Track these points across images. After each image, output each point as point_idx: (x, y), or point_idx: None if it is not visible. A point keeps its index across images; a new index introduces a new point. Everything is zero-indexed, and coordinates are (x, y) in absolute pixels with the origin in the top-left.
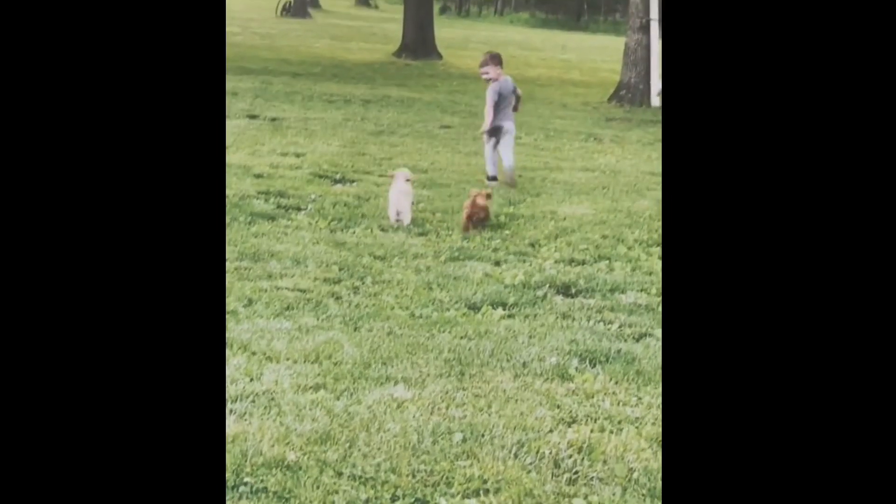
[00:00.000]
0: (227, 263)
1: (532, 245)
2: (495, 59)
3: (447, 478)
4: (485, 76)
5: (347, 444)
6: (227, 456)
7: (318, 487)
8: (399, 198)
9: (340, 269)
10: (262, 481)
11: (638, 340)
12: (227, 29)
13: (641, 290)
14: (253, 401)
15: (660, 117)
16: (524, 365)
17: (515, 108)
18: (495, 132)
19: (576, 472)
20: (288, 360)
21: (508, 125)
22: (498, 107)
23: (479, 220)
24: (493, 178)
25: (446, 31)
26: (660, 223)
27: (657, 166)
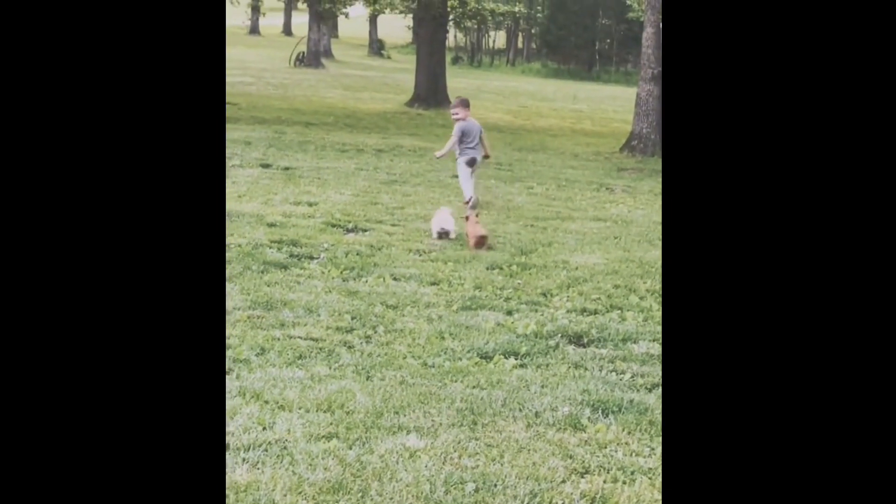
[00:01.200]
0: (240, 312)
1: (544, 294)
2: (464, 103)
3: None
4: (455, 116)
5: (360, 494)
6: None
7: None
8: (443, 217)
9: (353, 318)
10: None
11: (650, 390)
12: (241, 79)
13: (653, 340)
14: (265, 450)
15: None
16: (536, 415)
17: (486, 156)
18: (472, 163)
19: None
20: (300, 408)
21: (480, 159)
22: (464, 142)
23: (482, 242)
24: (469, 201)
25: (458, 80)
26: None
27: None
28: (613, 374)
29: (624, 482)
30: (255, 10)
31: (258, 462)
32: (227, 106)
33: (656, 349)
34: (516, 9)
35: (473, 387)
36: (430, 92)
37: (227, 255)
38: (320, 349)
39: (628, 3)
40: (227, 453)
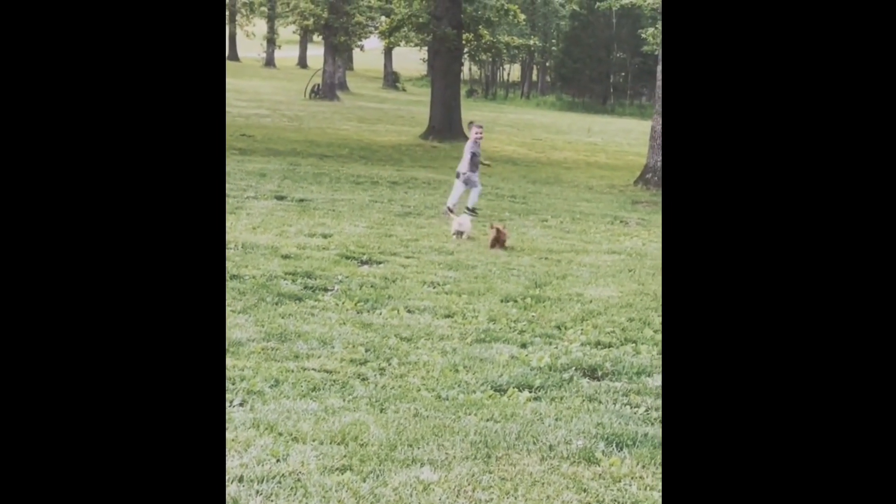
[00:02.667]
0: (254, 344)
1: (558, 327)
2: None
3: None
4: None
5: None
6: None
7: None
8: (460, 221)
9: (367, 351)
10: None
11: None
12: (257, 111)
13: None
14: (279, 482)
15: None
16: (551, 448)
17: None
18: (458, 175)
19: None
20: (314, 441)
21: (459, 170)
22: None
23: (501, 242)
24: (451, 210)
25: (473, 113)
26: None
27: None
28: (628, 407)
29: None
30: (271, 42)
31: (272, 494)
32: (242, 138)
33: None
34: (531, 42)
35: (487, 420)
36: (445, 124)
37: (241, 286)
38: (334, 381)
39: (643, 36)
40: (240, 485)
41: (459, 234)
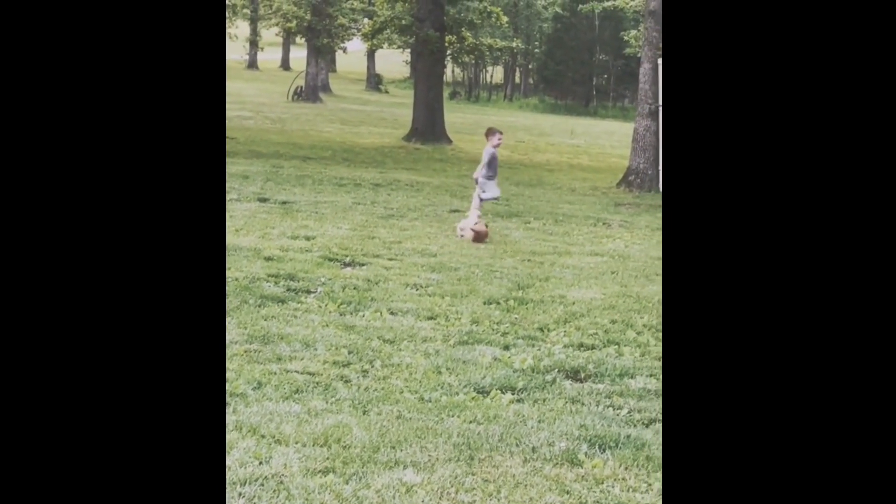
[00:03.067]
0: (237, 346)
1: (541, 329)
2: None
3: None
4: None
5: None
6: None
7: None
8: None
9: (349, 353)
10: None
11: (647, 426)
12: (239, 113)
13: (650, 376)
14: (262, 484)
15: None
16: (533, 450)
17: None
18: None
19: None
20: (297, 443)
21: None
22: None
23: (482, 237)
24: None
25: (456, 115)
26: None
27: None
28: (610, 409)
29: None
30: (254, 44)
31: (254, 497)
32: (225, 140)
33: (653, 384)
34: (514, 44)
35: (470, 422)
36: (428, 126)
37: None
38: (317, 383)
39: (625, 39)
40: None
41: (463, 234)
